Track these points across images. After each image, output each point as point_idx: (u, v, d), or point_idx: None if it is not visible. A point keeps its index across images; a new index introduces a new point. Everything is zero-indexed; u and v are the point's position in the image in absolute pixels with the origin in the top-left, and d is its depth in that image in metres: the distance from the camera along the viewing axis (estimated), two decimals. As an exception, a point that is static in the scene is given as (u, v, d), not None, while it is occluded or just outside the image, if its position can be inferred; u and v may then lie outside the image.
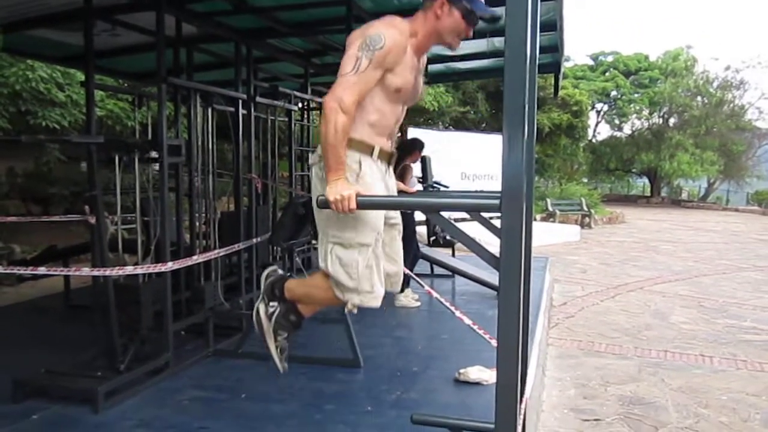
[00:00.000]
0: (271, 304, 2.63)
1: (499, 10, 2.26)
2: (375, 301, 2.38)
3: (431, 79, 7.09)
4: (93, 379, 3.41)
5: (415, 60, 2.36)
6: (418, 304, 5.91)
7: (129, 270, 3.57)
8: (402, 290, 5.88)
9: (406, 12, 4.87)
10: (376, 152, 2.35)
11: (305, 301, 2.58)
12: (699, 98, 29.40)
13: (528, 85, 1.68)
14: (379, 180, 2.38)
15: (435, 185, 7.10)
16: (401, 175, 5.50)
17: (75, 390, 3.37)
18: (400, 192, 2.73)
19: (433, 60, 6.45)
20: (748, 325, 6.54)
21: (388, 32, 2.23)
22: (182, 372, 3.89)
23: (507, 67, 1.63)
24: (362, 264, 2.31)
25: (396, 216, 2.60)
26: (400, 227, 2.63)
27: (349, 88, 2.17)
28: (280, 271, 2.73)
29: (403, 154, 5.54)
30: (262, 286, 2.67)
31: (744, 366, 5.13)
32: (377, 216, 2.36)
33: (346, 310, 2.44)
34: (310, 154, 2.46)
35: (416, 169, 7.42)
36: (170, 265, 3.71)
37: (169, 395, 3.53)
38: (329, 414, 3.27)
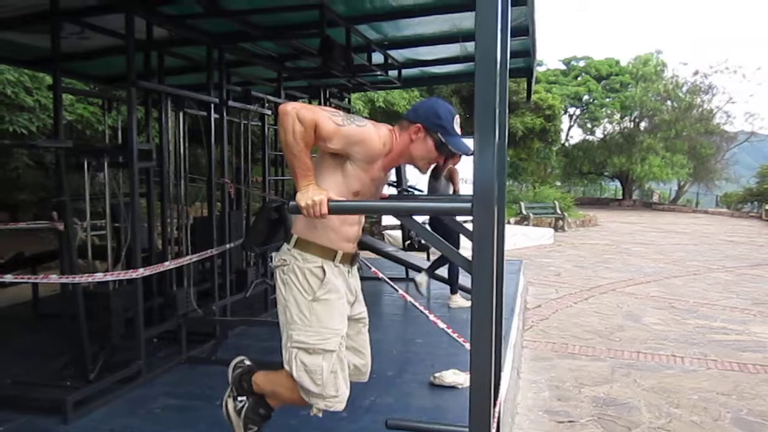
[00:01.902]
0: (239, 398, 2.62)
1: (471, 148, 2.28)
2: (340, 405, 2.39)
3: (405, 83, 7.10)
4: (62, 388, 3.35)
5: (381, 173, 2.38)
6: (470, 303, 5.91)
7: (99, 277, 3.51)
8: (454, 291, 6.09)
9: (378, 15, 4.90)
10: (338, 257, 2.36)
11: (272, 397, 2.58)
12: (669, 102, 29.96)
13: (499, 89, 1.69)
14: (342, 284, 2.39)
15: (409, 189, 7.11)
16: (449, 176, 6.03)
17: (44, 400, 3.30)
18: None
19: (406, 64, 6.47)
20: (718, 326, 6.66)
21: (372, 128, 2.25)
22: (154, 380, 3.83)
23: (477, 71, 1.64)
24: (327, 370, 2.30)
25: (362, 311, 2.60)
26: (366, 321, 2.62)
27: (310, 109, 2.16)
28: (248, 362, 2.71)
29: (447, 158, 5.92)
30: (230, 378, 2.67)
31: (714, 366, 5.21)
32: (341, 319, 2.36)
33: (311, 413, 2.43)
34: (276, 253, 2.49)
35: (391, 174, 7.40)
36: (141, 272, 3.66)
37: (141, 404, 3.48)
38: (304, 420, 3.24)
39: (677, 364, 5.26)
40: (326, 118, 2.15)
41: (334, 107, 5.56)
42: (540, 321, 6.78)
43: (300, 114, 2.10)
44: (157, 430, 3.17)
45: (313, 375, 2.30)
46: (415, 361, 4.35)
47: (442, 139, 2.29)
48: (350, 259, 2.44)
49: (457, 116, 2.34)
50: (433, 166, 6.54)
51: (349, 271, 2.46)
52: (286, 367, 2.36)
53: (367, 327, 2.65)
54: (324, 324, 2.30)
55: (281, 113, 2.13)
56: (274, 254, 2.45)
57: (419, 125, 2.29)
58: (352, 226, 2.41)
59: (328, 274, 2.32)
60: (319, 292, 2.30)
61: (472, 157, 1.67)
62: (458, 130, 2.32)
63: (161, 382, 3.84)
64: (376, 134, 2.24)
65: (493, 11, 1.62)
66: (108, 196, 3.93)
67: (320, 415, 2.44)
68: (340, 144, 2.18)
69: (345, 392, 2.40)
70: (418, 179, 8.70)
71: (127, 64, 3.75)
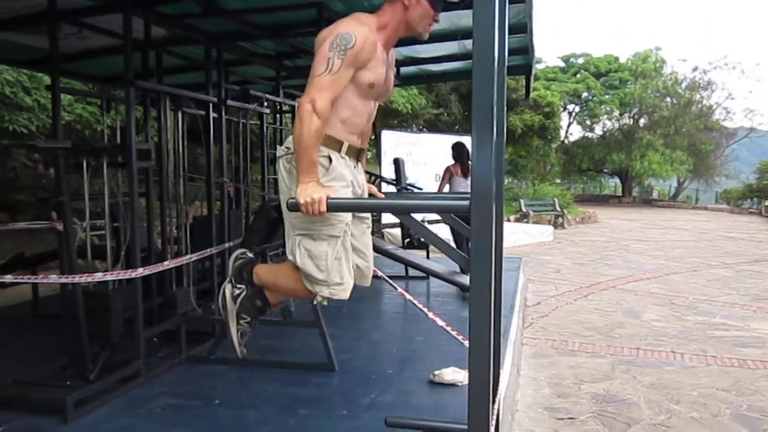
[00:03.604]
0: (238, 286, 2.60)
1: None
2: (344, 293, 2.37)
3: (403, 81, 7.10)
4: (62, 388, 3.35)
5: (385, 54, 2.36)
6: None
7: (98, 277, 3.51)
8: None
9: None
10: (344, 148, 2.35)
11: (273, 289, 2.56)
12: (668, 99, 29.95)
13: (496, 86, 1.69)
14: (348, 174, 2.39)
15: (408, 187, 7.13)
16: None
17: (44, 400, 3.29)
18: (370, 195, 2.72)
19: (405, 62, 6.46)
20: (717, 322, 6.66)
21: (358, 30, 2.22)
22: (154, 379, 3.83)
23: (475, 69, 1.64)
24: (331, 255, 2.30)
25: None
26: (369, 222, 2.63)
27: (323, 90, 2.16)
28: (250, 254, 2.70)
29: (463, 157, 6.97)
30: (230, 268, 2.64)
31: (714, 362, 5.22)
32: None
33: (315, 302, 2.42)
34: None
35: (390, 171, 7.51)
36: (141, 271, 3.66)
37: (141, 403, 3.48)
38: (304, 419, 3.25)
39: (677, 360, 5.27)
40: (330, 83, 2.16)
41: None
42: (540, 318, 6.78)
43: (317, 107, 2.13)
44: (156, 429, 3.17)
45: (318, 261, 2.30)
46: (414, 359, 4.35)
47: None
48: (356, 153, 2.44)
49: None
50: (460, 166, 6.86)
51: (355, 166, 2.46)
52: (290, 256, 2.36)
53: (370, 229, 2.65)
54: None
55: (301, 108, 2.15)
56: (279, 147, 2.43)
57: None
58: (360, 118, 2.38)
59: (334, 162, 2.31)
60: (323, 179, 2.27)
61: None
62: None
63: (161, 381, 3.83)
64: (362, 30, 2.22)
65: (490, 9, 1.62)
66: (107, 195, 3.92)
67: (325, 303, 2.42)
68: (350, 75, 2.21)
69: (349, 281, 2.38)
70: (417, 177, 8.73)
71: (124, 63, 3.75)
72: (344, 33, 2.19)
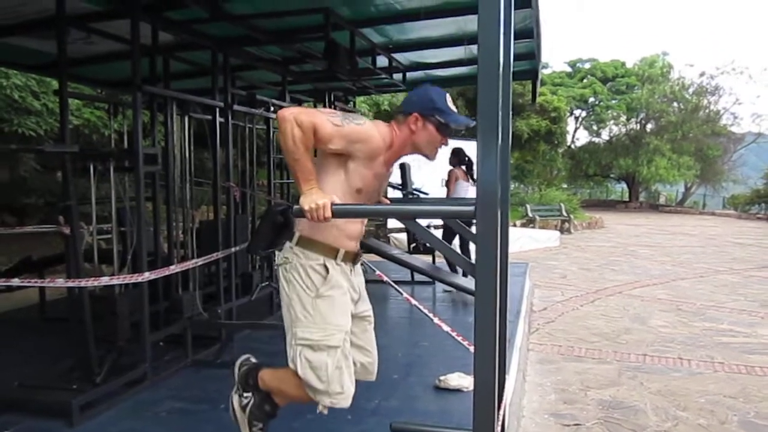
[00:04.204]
0: (245, 395, 2.62)
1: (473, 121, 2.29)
2: (345, 402, 2.38)
3: (410, 86, 7.11)
4: (68, 391, 3.36)
5: (383, 169, 2.39)
6: None
7: (105, 281, 3.53)
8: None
9: (382, 19, 4.91)
10: (340, 255, 2.36)
11: (278, 394, 2.57)
12: (675, 104, 29.89)
13: (502, 92, 1.69)
14: (344, 281, 2.39)
15: (414, 192, 7.13)
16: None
17: (50, 403, 3.31)
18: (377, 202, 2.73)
19: (412, 67, 6.48)
20: (725, 328, 6.62)
21: (370, 126, 2.27)
22: (160, 383, 3.84)
23: (480, 74, 1.64)
24: (332, 366, 2.30)
25: (367, 309, 2.60)
26: (371, 319, 2.63)
27: (312, 116, 2.17)
28: (253, 360, 2.71)
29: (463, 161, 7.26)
30: (236, 376, 2.67)
31: (721, 368, 5.19)
32: (344, 315, 2.37)
33: (317, 411, 2.42)
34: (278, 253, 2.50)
35: (396, 176, 7.51)
36: (147, 276, 3.67)
37: (147, 407, 3.49)
38: (309, 423, 3.25)
39: (684, 366, 5.24)
40: (324, 120, 2.17)
41: (340, 110, 5.58)
42: (546, 324, 6.76)
43: (298, 118, 2.12)
44: (162, 433, 3.18)
45: (318, 372, 2.30)
46: (419, 364, 4.35)
47: (442, 120, 2.32)
48: (352, 258, 2.44)
49: (448, 95, 2.37)
50: (469, 168, 6.99)
51: (351, 270, 2.46)
52: (291, 364, 2.36)
53: (373, 325, 2.65)
54: (327, 320, 2.30)
55: (280, 119, 2.15)
56: (277, 252, 2.45)
57: (416, 114, 2.33)
58: (354, 224, 2.42)
59: (331, 271, 2.33)
60: (322, 289, 2.31)
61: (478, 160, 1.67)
62: (453, 108, 2.35)
63: (167, 385, 3.84)
64: (375, 131, 2.27)
65: (495, 14, 1.62)
66: (114, 200, 3.94)
67: (326, 412, 2.43)
68: (340, 144, 2.20)
69: (350, 389, 2.39)
70: (423, 182, 8.72)
71: (132, 68, 3.77)
72: (360, 115, 2.24)
